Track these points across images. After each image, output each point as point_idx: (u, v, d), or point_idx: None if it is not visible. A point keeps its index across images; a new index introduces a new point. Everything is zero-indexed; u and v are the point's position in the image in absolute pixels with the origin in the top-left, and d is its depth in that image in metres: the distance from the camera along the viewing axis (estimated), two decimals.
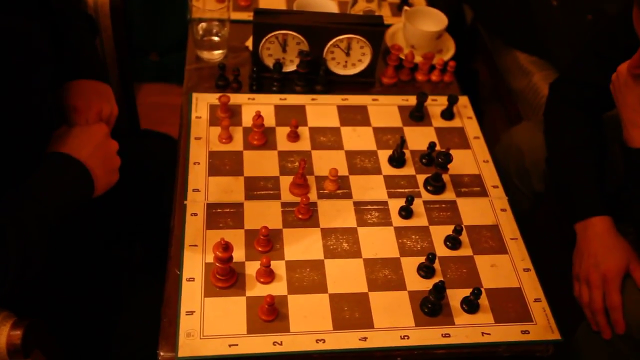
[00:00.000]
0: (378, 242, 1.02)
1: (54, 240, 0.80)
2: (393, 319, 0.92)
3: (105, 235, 1.12)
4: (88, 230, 1.07)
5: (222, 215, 1.01)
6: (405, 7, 1.40)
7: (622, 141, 1.08)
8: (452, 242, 1.03)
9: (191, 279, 0.92)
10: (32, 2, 0.83)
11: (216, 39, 1.30)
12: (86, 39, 1.01)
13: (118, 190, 1.14)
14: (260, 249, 0.97)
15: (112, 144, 0.92)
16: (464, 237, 1.04)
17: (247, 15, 1.38)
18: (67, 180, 0.83)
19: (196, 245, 0.96)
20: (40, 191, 0.78)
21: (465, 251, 1.03)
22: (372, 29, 1.22)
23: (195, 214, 1.00)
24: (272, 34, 1.20)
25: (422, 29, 1.35)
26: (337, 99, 1.25)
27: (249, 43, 1.32)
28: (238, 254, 0.95)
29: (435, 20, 1.38)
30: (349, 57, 1.27)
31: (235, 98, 1.20)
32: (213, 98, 1.20)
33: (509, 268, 1.01)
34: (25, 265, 0.75)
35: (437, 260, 0.99)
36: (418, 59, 1.34)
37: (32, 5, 0.83)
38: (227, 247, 0.87)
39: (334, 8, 1.36)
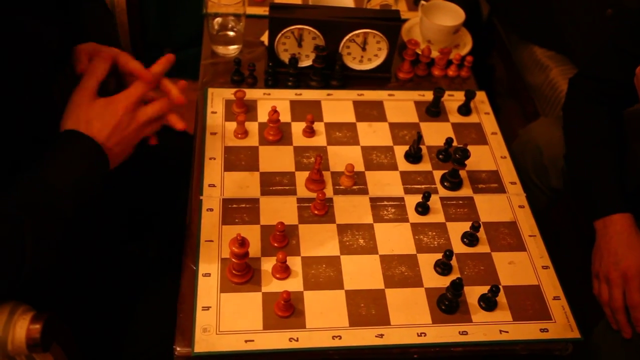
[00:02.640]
0: (394, 238, 1.01)
1: (71, 234, 0.80)
2: (410, 316, 0.91)
3: (121, 230, 1.12)
4: (104, 224, 1.07)
5: (237, 210, 1.01)
6: (422, 2, 1.39)
7: None
8: (470, 238, 1.02)
9: (207, 275, 0.92)
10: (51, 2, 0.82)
11: (232, 33, 1.29)
12: (103, 21, 1.00)
13: (134, 186, 1.15)
14: (276, 244, 0.96)
15: (138, 116, 0.85)
16: (481, 233, 1.03)
17: (263, 10, 1.37)
18: (79, 161, 0.79)
19: (212, 241, 0.96)
20: (53, 177, 0.76)
21: (483, 248, 1.02)
22: (388, 23, 1.21)
23: (211, 209, 1.00)
24: (288, 28, 1.19)
25: (439, 24, 1.34)
26: (353, 94, 1.25)
27: (265, 38, 1.32)
28: (254, 250, 0.95)
29: (453, 15, 1.37)
30: (365, 52, 1.26)
31: (250, 93, 1.20)
32: (228, 93, 1.20)
33: (527, 265, 1.00)
34: (42, 257, 0.75)
35: (454, 257, 0.98)
36: (435, 53, 1.33)
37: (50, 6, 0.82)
38: (243, 242, 0.86)
39: (349, 2, 1.36)
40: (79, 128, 0.80)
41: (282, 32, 1.20)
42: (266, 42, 1.27)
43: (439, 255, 0.97)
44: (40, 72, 0.80)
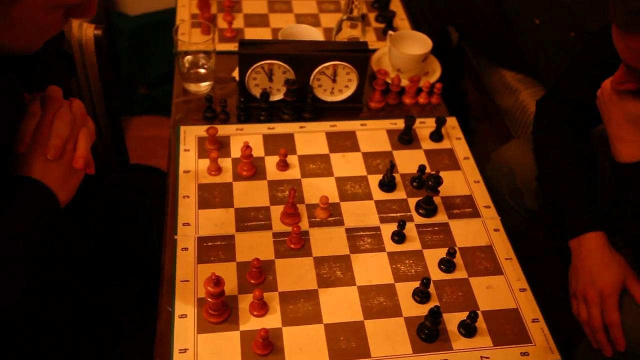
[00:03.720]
0: (372, 268, 1.01)
1: (37, 276, 0.78)
2: (390, 347, 0.90)
3: (95, 272, 1.11)
4: (77, 266, 1.06)
5: (213, 248, 1.00)
6: (390, 32, 1.41)
7: (610, 156, 1.08)
8: (447, 265, 1.02)
9: (184, 316, 0.91)
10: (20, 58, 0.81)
11: (203, 71, 1.30)
12: (62, 78, 0.99)
13: (108, 227, 1.14)
14: (252, 281, 0.96)
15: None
16: (458, 259, 1.03)
17: (233, 46, 1.38)
18: (28, 204, 0.78)
19: (188, 281, 0.95)
20: (7, 223, 0.76)
21: (460, 274, 1.02)
22: (357, 54, 1.23)
23: (186, 249, 0.99)
24: (258, 64, 1.20)
25: (407, 53, 1.36)
26: (326, 126, 1.25)
27: (236, 74, 1.33)
28: (230, 287, 0.94)
29: (420, 44, 1.39)
30: (336, 83, 1.27)
31: (223, 129, 1.20)
32: (201, 130, 1.20)
33: (505, 289, 1.00)
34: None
35: (432, 285, 0.98)
36: (405, 82, 1.34)
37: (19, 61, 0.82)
38: (218, 281, 0.85)
39: (318, 36, 1.37)
40: (35, 173, 0.79)
41: (252, 68, 1.21)
42: (237, 78, 1.28)
43: (417, 284, 0.97)
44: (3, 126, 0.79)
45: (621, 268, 1.09)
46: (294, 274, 0.98)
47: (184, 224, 1.03)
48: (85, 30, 1.19)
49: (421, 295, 0.97)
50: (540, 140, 1.27)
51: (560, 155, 1.22)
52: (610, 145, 1.07)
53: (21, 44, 0.75)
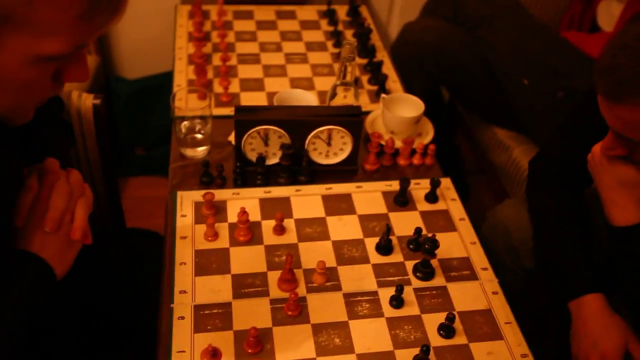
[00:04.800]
0: (370, 334, 0.99)
1: (33, 343, 0.77)
2: None
3: (90, 338, 1.09)
4: (71, 333, 1.04)
5: (210, 316, 0.99)
6: (383, 95, 1.44)
7: (604, 218, 1.09)
8: (446, 330, 1.01)
9: None
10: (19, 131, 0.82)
11: (199, 136, 1.31)
12: (61, 149, 1.00)
13: (104, 292, 1.12)
14: (250, 350, 0.94)
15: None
16: (457, 324, 1.02)
17: (229, 110, 1.40)
18: (25, 279, 0.79)
19: (184, 351, 0.93)
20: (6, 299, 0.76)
21: (460, 339, 1.00)
22: (351, 119, 1.25)
23: (182, 318, 0.98)
24: (254, 129, 1.22)
25: (400, 115, 1.38)
26: (321, 189, 1.26)
27: (232, 138, 1.34)
28: (227, 358, 0.93)
29: (413, 106, 1.41)
30: (331, 146, 1.28)
31: (219, 194, 1.21)
32: (198, 195, 1.20)
33: (505, 355, 0.99)
34: None
35: (432, 351, 0.96)
36: (398, 144, 1.36)
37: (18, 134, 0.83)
38: (215, 353, 0.85)
39: (313, 100, 1.40)
40: (33, 248, 0.79)
41: (248, 133, 1.22)
42: (234, 142, 1.29)
43: (417, 350, 0.95)
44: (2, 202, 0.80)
45: (622, 331, 1.08)
46: (292, 342, 0.97)
47: (180, 292, 1.02)
48: (84, 100, 1.20)
49: None
50: (534, 200, 1.28)
51: (554, 216, 1.22)
52: (604, 209, 1.08)
53: (7, 104, 0.73)
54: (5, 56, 0.66)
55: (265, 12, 1.84)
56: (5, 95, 0.71)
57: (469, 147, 2.15)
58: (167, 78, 1.64)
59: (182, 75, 1.55)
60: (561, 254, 1.18)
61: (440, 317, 1.02)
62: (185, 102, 1.39)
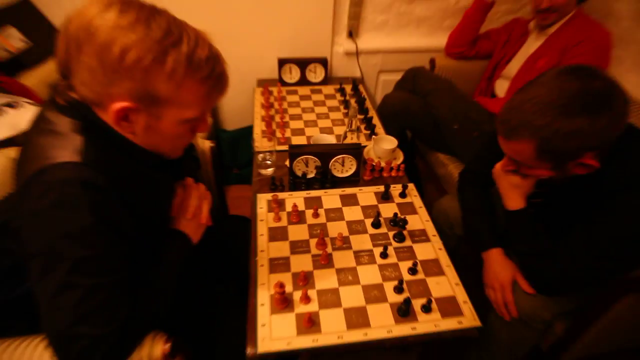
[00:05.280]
0: (369, 274, 1.00)
1: (178, 290, 0.78)
2: (381, 320, 0.89)
3: (209, 279, 1.10)
4: (198, 277, 1.06)
5: (277, 265, 1.00)
6: (374, 136, 1.44)
7: (502, 205, 1.07)
8: (412, 271, 1.01)
9: (262, 304, 0.90)
10: (177, 163, 0.84)
11: (269, 162, 1.33)
12: (194, 171, 1.03)
13: (217, 255, 1.13)
14: (301, 283, 0.95)
15: (201, 215, 0.84)
16: (419, 267, 1.02)
17: (286, 147, 1.40)
18: (177, 247, 0.80)
19: (264, 284, 0.95)
20: (163, 263, 0.77)
21: (420, 276, 1.01)
22: (355, 150, 1.25)
23: (263, 265, 1.00)
24: (300, 158, 1.23)
25: (383, 148, 1.38)
26: (339, 191, 1.26)
27: (287, 162, 1.35)
28: (288, 288, 0.94)
29: (390, 142, 1.41)
30: (344, 166, 1.29)
31: (281, 195, 1.22)
32: (268, 196, 1.21)
33: (447, 284, 0.99)
34: (160, 313, 0.73)
35: (404, 283, 0.97)
36: (383, 164, 1.36)
37: (177, 165, 0.85)
38: (281, 285, 0.86)
39: (332, 140, 1.40)
40: (180, 227, 0.81)
41: (296, 160, 1.23)
42: (288, 165, 1.31)
43: (395, 282, 0.96)
44: (165, 202, 0.83)
45: (512, 269, 1.07)
46: (324, 279, 0.98)
47: (261, 251, 1.04)
48: (204, 143, 1.23)
49: (398, 290, 0.96)
50: (462, 195, 1.27)
51: (474, 203, 1.21)
52: (502, 199, 1.07)
53: (166, 148, 0.74)
54: (166, 121, 0.68)
55: (304, 90, 1.84)
56: (167, 143, 0.74)
57: (423, 164, 2.12)
58: (249, 129, 1.64)
59: (258, 127, 1.55)
60: (477, 225, 1.17)
61: (409, 263, 1.02)
62: (260, 142, 1.40)
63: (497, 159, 1.06)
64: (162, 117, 0.66)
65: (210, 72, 0.65)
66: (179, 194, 0.84)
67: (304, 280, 0.96)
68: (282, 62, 1.78)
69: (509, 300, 1.03)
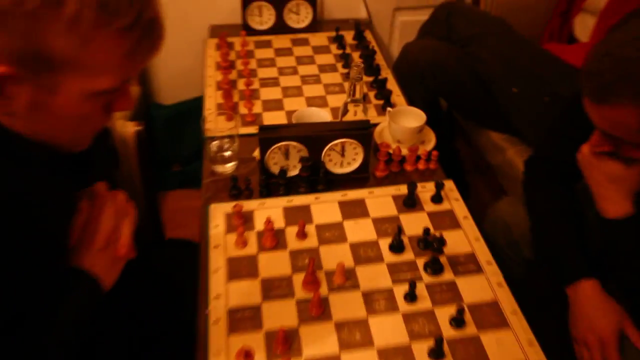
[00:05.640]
0: (388, 329, 0.92)
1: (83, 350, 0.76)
2: None
3: (131, 342, 1.04)
4: (117, 338, 0.99)
5: (242, 319, 0.92)
6: (389, 108, 1.36)
7: (596, 211, 1.02)
8: (457, 322, 0.93)
9: None
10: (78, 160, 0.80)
11: (228, 153, 1.25)
12: (108, 172, 0.97)
13: (146, 300, 1.07)
14: (279, 350, 0.87)
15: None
16: (466, 315, 0.94)
17: (254, 129, 1.33)
18: (78, 293, 0.77)
19: (219, 352, 0.87)
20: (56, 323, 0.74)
21: (470, 330, 0.93)
22: (361, 132, 1.18)
23: (218, 321, 0.92)
24: (276, 145, 1.16)
25: (405, 126, 1.31)
26: (337, 196, 1.19)
27: (257, 154, 1.28)
28: (259, 357, 0.86)
29: (416, 117, 1.33)
30: (344, 157, 1.22)
31: (247, 205, 1.14)
32: (228, 207, 1.14)
33: (513, 342, 0.91)
34: None
35: (445, 342, 0.89)
36: (405, 151, 1.28)
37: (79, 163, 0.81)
38: (248, 354, 0.78)
39: (326, 116, 1.33)
40: (85, 264, 0.78)
41: (271, 149, 1.16)
42: (258, 157, 1.23)
43: (431, 342, 0.88)
44: (60, 224, 0.78)
45: (617, 314, 1.00)
46: (317, 339, 0.90)
47: (214, 297, 0.96)
48: (127, 127, 1.16)
49: (436, 355, 0.87)
50: (530, 196, 1.21)
51: (549, 209, 1.15)
52: (595, 203, 1.01)
53: (64, 137, 0.73)
54: (64, 95, 0.66)
55: (282, 41, 1.78)
56: (66, 128, 0.72)
57: (468, 149, 2.07)
58: (198, 102, 1.59)
59: (212, 99, 1.49)
60: (556, 243, 1.11)
61: (451, 309, 0.95)
62: (215, 123, 1.33)
63: (583, 138, 1.00)
64: (57, 90, 0.66)
65: (134, 19, 0.64)
66: (83, 210, 0.80)
67: (285, 343, 0.88)
68: (248, 0, 1.74)
69: None
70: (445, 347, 0.89)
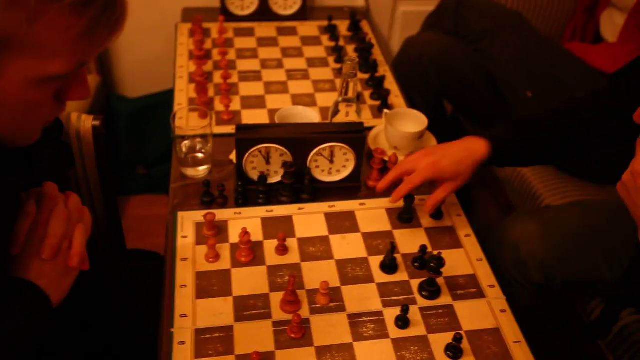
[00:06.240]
0: (376, 356, 0.97)
1: None
2: None
3: None
4: (71, 356, 1.02)
5: (211, 340, 0.97)
6: (386, 110, 1.42)
7: (636, 239, 1.01)
8: (453, 351, 0.98)
9: None
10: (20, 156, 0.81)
11: (200, 155, 1.30)
12: (61, 172, 0.99)
13: (104, 316, 1.11)
14: None
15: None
16: (465, 344, 1.00)
17: (230, 129, 1.39)
18: (21, 308, 0.77)
19: None
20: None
21: None
22: (353, 135, 1.23)
23: (183, 342, 0.96)
24: (255, 148, 1.21)
25: (403, 131, 1.37)
26: (324, 207, 1.24)
27: (233, 156, 1.33)
28: None
29: (416, 121, 1.39)
30: (333, 163, 1.27)
31: (221, 214, 1.19)
32: (199, 216, 1.18)
33: None
34: None
35: None
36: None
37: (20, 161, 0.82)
38: None
39: (315, 116, 1.38)
40: (30, 276, 0.78)
41: (250, 152, 1.21)
42: (235, 161, 1.28)
43: None
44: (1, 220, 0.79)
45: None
46: None
47: (181, 316, 1.00)
48: (83, 122, 1.19)
49: None
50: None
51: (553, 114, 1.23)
52: (638, 230, 1.00)
53: (8, 128, 0.74)
54: (7, 79, 0.66)
55: (266, 29, 1.84)
56: (8, 118, 0.72)
57: None
58: (168, 96, 1.63)
59: (183, 93, 1.54)
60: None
61: (448, 337, 0.99)
62: (186, 121, 1.39)
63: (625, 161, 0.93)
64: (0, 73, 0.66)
65: None
66: (28, 213, 0.80)
67: None
68: None
69: None
70: None
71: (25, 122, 0.75)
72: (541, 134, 1.20)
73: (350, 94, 1.29)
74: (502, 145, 1.18)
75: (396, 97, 1.59)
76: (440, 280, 1.10)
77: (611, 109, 1.17)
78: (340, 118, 1.31)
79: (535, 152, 1.20)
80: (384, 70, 1.69)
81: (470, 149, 1.18)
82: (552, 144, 1.20)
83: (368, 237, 1.18)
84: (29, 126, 0.77)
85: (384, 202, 1.27)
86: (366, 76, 1.64)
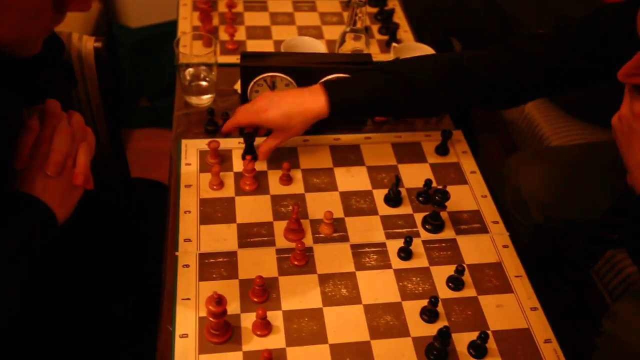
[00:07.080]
0: (378, 286, 0.98)
1: (35, 293, 0.77)
2: None
3: (94, 287, 1.09)
4: (75, 281, 1.04)
5: (215, 265, 0.98)
6: (394, 44, 1.39)
7: (627, 185, 1.00)
8: (455, 282, 0.99)
9: (184, 335, 0.88)
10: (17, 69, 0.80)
11: (204, 83, 1.28)
12: (63, 90, 0.98)
13: (108, 242, 1.11)
14: (255, 299, 0.93)
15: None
16: (466, 276, 1.01)
17: (235, 59, 1.37)
18: (27, 222, 0.77)
19: (189, 299, 0.92)
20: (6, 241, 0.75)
21: (469, 292, 0.99)
22: (361, 66, 1.21)
23: (187, 266, 0.97)
24: (260, 76, 1.19)
25: None
26: (329, 139, 1.23)
27: (238, 86, 1.31)
28: (233, 306, 0.92)
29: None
30: None
31: (225, 143, 1.18)
32: (203, 144, 1.18)
33: (515, 307, 0.98)
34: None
35: (440, 303, 0.95)
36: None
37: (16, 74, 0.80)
38: (220, 300, 0.83)
39: (321, 48, 1.35)
40: (34, 190, 0.77)
41: (254, 81, 1.19)
42: (239, 90, 1.26)
43: (425, 302, 0.94)
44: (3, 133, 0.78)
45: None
46: (298, 291, 0.96)
47: (185, 240, 1.01)
48: (85, 43, 1.17)
49: (429, 315, 0.94)
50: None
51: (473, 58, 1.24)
52: (627, 176, 0.98)
53: (13, 33, 0.72)
54: None
55: None
56: (7, 23, 0.70)
57: None
58: (171, 27, 1.60)
59: (187, 22, 1.51)
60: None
61: (450, 269, 1.00)
62: (190, 48, 1.36)
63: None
64: None
65: None
66: (31, 128, 0.79)
67: (261, 293, 0.93)
68: None
69: None
70: (440, 308, 0.95)
71: (25, 29, 0.73)
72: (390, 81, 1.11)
73: (359, 25, 1.26)
74: (339, 97, 1.10)
75: (405, 32, 1.56)
76: (444, 215, 1.10)
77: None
78: (347, 48, 1.29)
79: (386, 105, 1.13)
80: (393, 4, 1.65)
81: (305, 104, 1.10)
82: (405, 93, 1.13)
83: (373, 170, 1.18)
84: (29, 34, 0.75)
85: (390, 137, 1.26)
86: (375, 10, 1.60)
